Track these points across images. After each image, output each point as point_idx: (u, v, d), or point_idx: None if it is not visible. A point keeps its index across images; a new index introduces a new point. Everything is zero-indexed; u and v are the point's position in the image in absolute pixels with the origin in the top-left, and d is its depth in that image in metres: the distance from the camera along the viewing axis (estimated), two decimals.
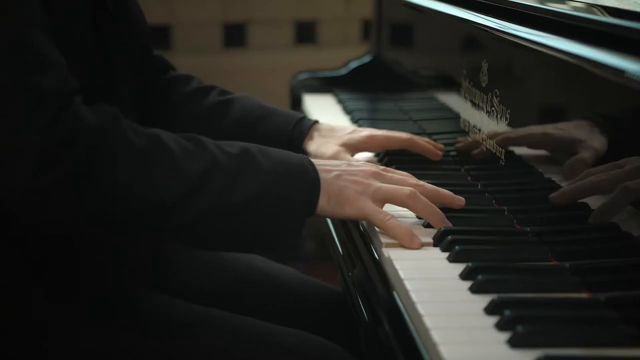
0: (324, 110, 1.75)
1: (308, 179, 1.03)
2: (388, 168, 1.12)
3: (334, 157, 1.29)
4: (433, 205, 1.06)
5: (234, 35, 2.98)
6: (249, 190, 0.99)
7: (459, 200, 1.09)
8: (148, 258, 1.22)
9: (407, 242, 1.01)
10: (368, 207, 1.04)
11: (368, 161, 1.28)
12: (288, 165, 1.03)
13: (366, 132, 1.36)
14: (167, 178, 0.95)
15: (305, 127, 1.34)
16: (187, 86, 1.36)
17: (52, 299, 1.04)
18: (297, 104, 1.87)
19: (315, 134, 1.34)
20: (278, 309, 1.28)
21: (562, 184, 1.01)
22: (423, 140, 1.35)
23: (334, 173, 1.05)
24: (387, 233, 1.03)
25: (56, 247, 1.03)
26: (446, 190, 1.10)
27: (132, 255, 1.16)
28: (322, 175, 1.04)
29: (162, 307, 1.11)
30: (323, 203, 1.03)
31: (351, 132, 1.35)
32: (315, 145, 1.33)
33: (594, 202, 0.94)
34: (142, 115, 1.16)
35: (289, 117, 1.36)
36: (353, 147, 1.34)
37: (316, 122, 1.36)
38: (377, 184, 1.06)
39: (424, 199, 1.05)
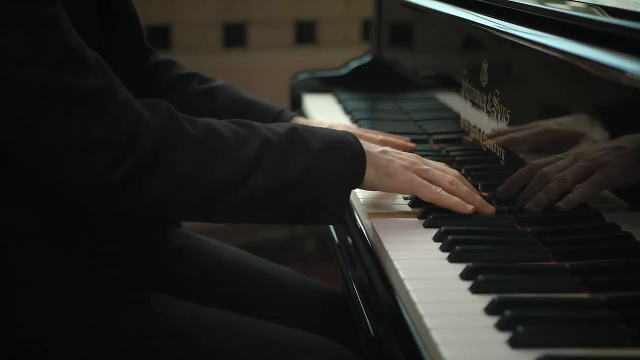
0: (324, 110, 1.75)
1: (353, 150, 1.07)
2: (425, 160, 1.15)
3: None
4: (475, 192, 1.11)
5: (234, 35, 2.98)
6: (301, 165, 1.03)
7: (490, 208, 1.10)
8: (149, 257, 1.22)
9: (461, 208, 1.08)
10: (416, 180, 1.09)
11: None
12: (333, 139, 1.07)
13: (340, 128, 1.37)
14: (226, 161, 1.00)
15: (284, 121, 1.37)
16: (170, 73, 1.39)
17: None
18: (297, 104, 1.87)
19: None
20: (278, 309, 1.28)
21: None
22: (396, 139, 1.40)
23: (380, 148, 1.11)
24: (439, 204, 1.08)
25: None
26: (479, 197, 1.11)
27: (133, 254, 1.16)
28: (367, 148, 1.09)
29: (162, 305, 1.11)
30: (371, 174, 1.08)
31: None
32: None
33: (595, 202, 0.94)
34: None
35: (269, 110, 1.40)
36: None
37: (294, 115, 1.43)
38: (423, 165, 1.11)
39: (465, 187, 1.10)
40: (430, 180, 1.09)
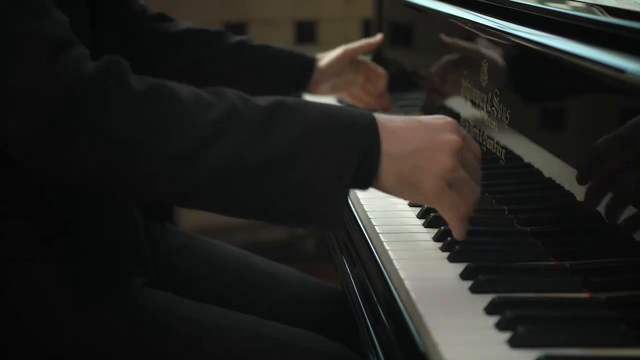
0: None
1: (364, 143, 0.88)
2: (466, 134, 0.95)
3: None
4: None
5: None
6: (278, 147, 0.86)
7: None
8: (147, 254, 1.22)
9: (461, 237, 0.95)
10: (446, 198, 0.91)
11: None
12: (336, 119, 0.89)
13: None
14: (171, 126, 0.86)
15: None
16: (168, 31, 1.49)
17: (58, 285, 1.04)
18: (298, 97, 1.87)
19: None
20: (278, 308, 1.28)
21: (563, 185, 1.01)
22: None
23: (411, 146, 0.90)
24: (451, 227, 0.94)
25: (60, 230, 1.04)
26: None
27: (132, 251, 1.16)
28: (393, 148, 0.89)
29: (163, 303, 1.11)
30: (388, 180, 0.89)
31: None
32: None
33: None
34: None
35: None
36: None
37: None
38: (459, 172, 0.91)
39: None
40: (460, 194, 0.92)
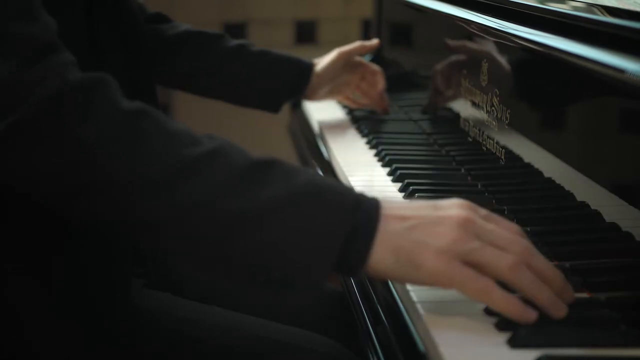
0: (324, 110, 1.75)
1: (354, 213, 0.78)
2: (487, 213, 0.82)
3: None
4: (541, 284, 0.79)
5: (234, 35, 2.95)
6: (251, 203, 0.78)
7: (570, 293, 0.82)
8: (146, 254, 1.22)
9: (519, 317, 0.78)
10: (455, 272, 0.78)
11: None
12: (326, 187, 0.80)
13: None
14: (149, 150, 0.79)
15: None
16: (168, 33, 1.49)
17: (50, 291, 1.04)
18: (297, 104, 1.87)
19: None
20: (278, 308, 1.28)
21: (563, 185, 1.01)
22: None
23: (411, 222, 0.79)
24: (492, 306, 0.80)
25: (57, 237, 1.03)
26: (558, 272, 0.81)
27: (131, 252, 1.16)
28: (390, 225, 0.79)
29: (163, 304, 1.11)
30: (384, 259, 0.79)
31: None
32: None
33: (594, 202, 0.94)
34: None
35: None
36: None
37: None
38: (471, 242, 0.78)
39: (530, 273, 0.79)
40: (478, 264, 0.78)
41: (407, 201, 0.82)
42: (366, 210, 0.79)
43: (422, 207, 0.81)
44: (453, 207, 0.81)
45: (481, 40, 1.28)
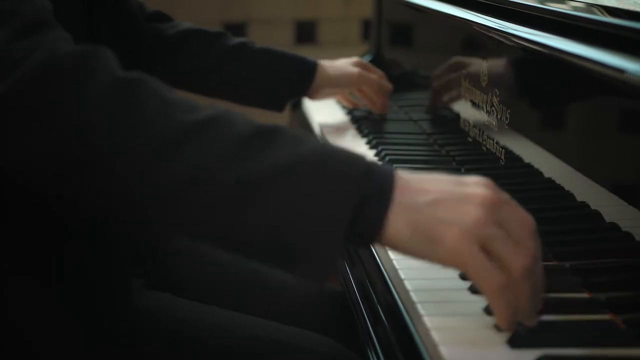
0: (324, 110, 1.75)
1: (365, 182, 0.74)
2: (508, 197, 0.79)
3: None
4: (537, 293, 0.78)
5: (234, 35, 2.97)
6: (255, 168, 0.74)
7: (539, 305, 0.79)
8: (146, 255, 1.22)
9: (507, 328, 0.77)
10: (474, 258, 0.74)
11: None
12: (333, 153, 0.76)
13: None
14: (144, 115, 0.75)
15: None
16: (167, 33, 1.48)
17: (50, 291, 1.04)
18: (297, 103, 1.87)
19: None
20: (278, 308, 1.28)
21: (563, 185, 1.01)
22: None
23: (430, 197, 0.76)
24: (492, 305, 0.77)
25: (55, 238, 1.03)
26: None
27: (131, 252, 1.16)
28: (407, 198, 0.75)
29: (163, 304, 1.11)
30: (400, 232, 0.75)
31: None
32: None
33: (594, 202, 0.94)
34: None
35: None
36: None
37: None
38: (494, 228, 0.75)
39: (532, 281, 0.76)
40: (496, 256, 0.75)
41: (425, 174, 0.78)
42: (378, 178, 0.75)
43: (443, 181, 0.77)
44: (479, 185, 0.77)
45: (481, 40, 1.28)
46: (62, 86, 0.76)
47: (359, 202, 0.74)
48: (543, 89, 1.08)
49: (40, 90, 0.76)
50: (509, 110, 1.15)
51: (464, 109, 1.34)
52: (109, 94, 0.76)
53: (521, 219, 0.77)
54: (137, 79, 0.78)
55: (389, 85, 1.62)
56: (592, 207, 0.94)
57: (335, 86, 1.58)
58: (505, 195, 0.78)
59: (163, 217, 0.77)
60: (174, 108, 0.76)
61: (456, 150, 1.37)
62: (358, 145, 1.50)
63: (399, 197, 0.75)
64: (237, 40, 1.53)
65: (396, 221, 0.75)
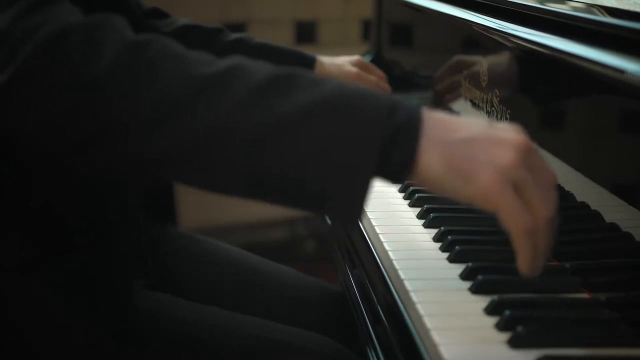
0: None
1: (395, 116, 0.73)
2: (536, 146, 0.79)
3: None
4: (549, 246, 0.79)
5: None
6: (279, 112, 0.73)
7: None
8: (147, 255, 1.22)
9: (528, 270, 0.78)
10: (508, 197, 0.74)
11: None
12: (356, 94, 0.74)
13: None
14: (160, 71, 0.75)
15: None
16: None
17: (51, 292, 1.04)
18: None
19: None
20: (278, 308, 1.28)
21: (563, 185, 1.01)
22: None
23: (463, 134, 0.75)
24: (518, 247, 0.77)
25: (53, 237, 1.03)
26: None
27: (131, 252, 1.16)
28: (439, 132, 0.75)
29: (163, 305, 1.11)
30: (433, 166, 0.74)
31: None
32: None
33: (594, 202, 0.94)
34: None
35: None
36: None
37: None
38: (526, 172, 0.75)
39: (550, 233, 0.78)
40: (526, 199, 0.75)
41: (453, 115, 0.78)
42: (406, 113, 0.74)
43: (474, 122, 0.77)
44: (511, 131, 0.77)
45: (481, 40, 1.28)
46: (75, 55, 0.76)
47: (389, 135, 0.73)
48: (543, 89, 1.08)
49: (54, 61, 0.76)
50: (509, 110, 1.15)
51: (464, 109, 1.34)
52: (121, 58, 0.76)
53: (547, 169, 0.78)
54: (147, 40, 0.78)
55: (387, 88, 1.62)
56: (592, 207, 0.94)
57: None
58: (534, 144, 0.78)
59: (187, 173, 0.77)
60: (187, 64, 0.76)
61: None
62: None
63: (431, 132, 0.75)
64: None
65: (429, 155, 0.74)
